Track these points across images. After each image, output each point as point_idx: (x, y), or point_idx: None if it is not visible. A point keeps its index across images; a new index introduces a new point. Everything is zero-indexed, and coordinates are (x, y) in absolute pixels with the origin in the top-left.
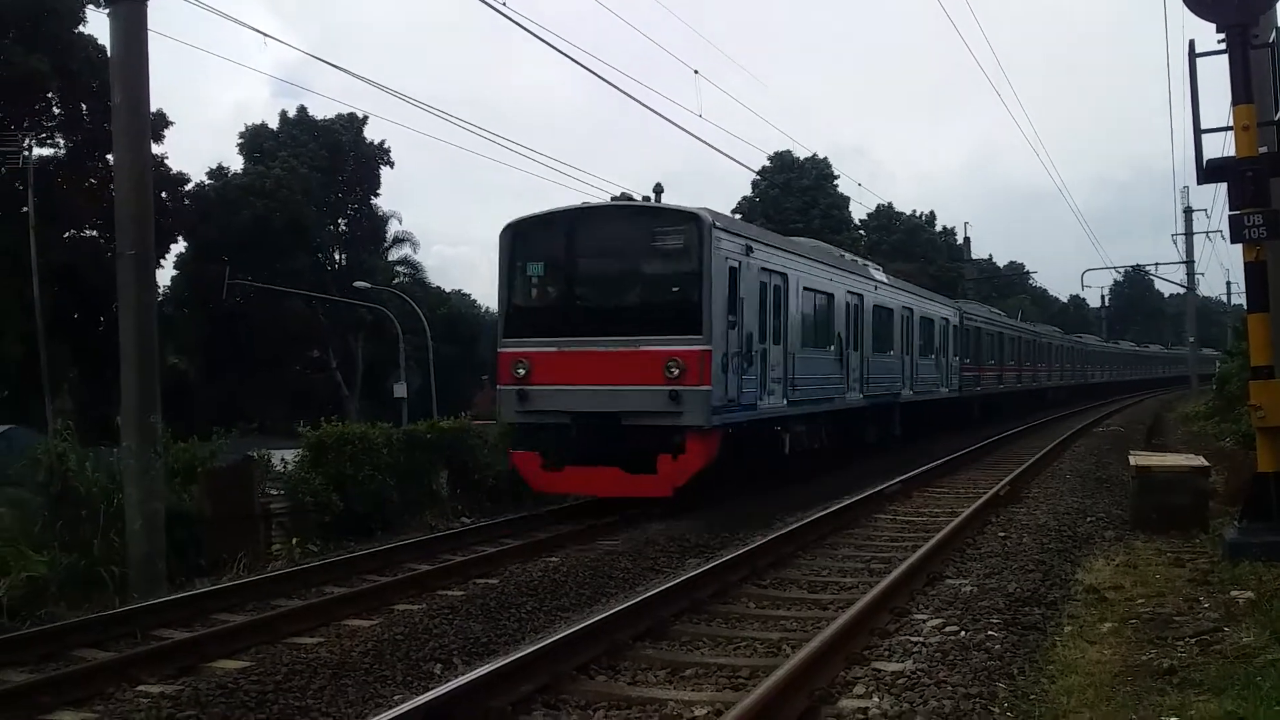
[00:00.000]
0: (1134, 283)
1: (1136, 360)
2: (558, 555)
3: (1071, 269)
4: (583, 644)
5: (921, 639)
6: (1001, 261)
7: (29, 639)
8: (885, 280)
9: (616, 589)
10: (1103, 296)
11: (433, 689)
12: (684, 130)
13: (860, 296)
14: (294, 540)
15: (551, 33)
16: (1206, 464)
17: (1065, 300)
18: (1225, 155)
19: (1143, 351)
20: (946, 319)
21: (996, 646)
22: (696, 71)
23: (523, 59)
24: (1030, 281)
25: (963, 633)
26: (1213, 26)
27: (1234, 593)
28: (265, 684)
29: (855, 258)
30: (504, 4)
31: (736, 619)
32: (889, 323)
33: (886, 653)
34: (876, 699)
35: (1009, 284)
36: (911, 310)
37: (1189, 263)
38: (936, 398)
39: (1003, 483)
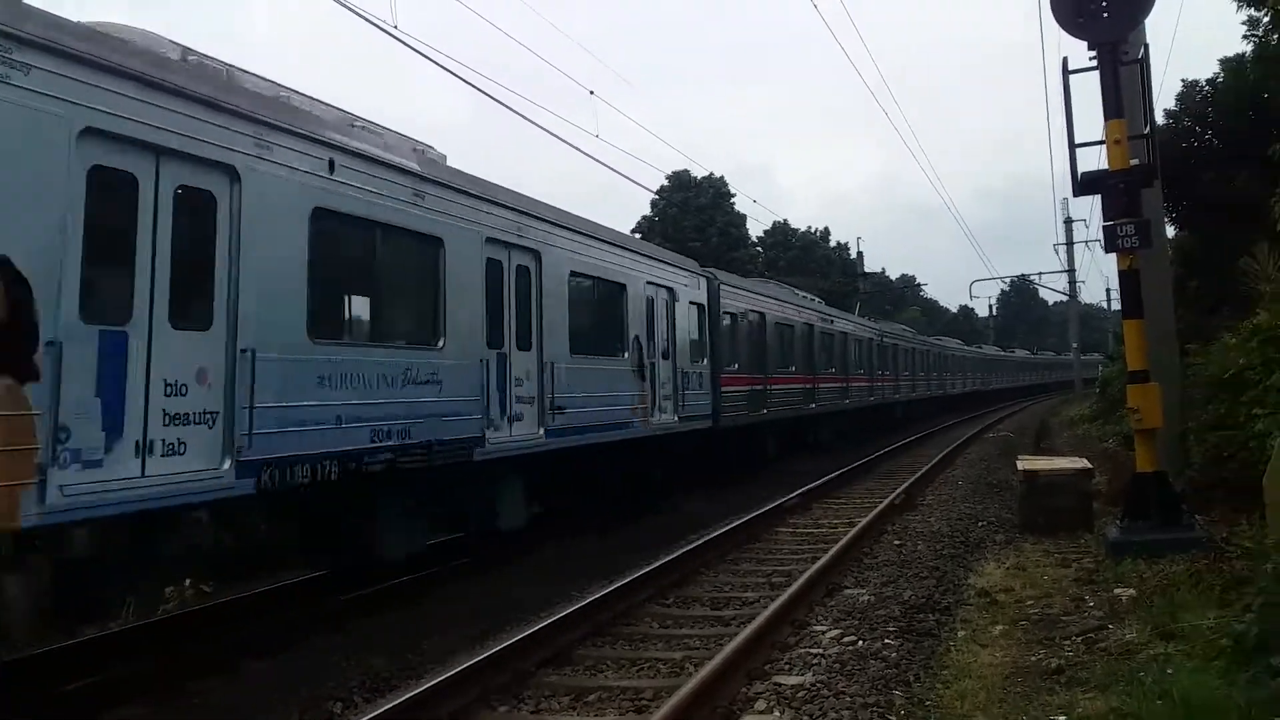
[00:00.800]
0: (1020, 292)
1: (1026, 367)
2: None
3: (960, 280)
4: (485, 674)
5: (821, 650)
6: (894, 275)
7: None
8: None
9: (522, 615)
10: (990, 306)
11: None
12: (580, 151)
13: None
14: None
15: (443, 54)
16: (1090, 466)
17: (955, 311)
18: (1100, 168)
19: (1030, 358)
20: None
21: (893, 655)
22: (592, 92)
23: (418, 83)
24: (922, 294)
25: (860, 642)
26: (1085, 44)
27: (1117, 590)
28: None
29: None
30: (395, 26)
31: (640, 640)
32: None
33: (787, 666)
34: (778, 714)
35: (901, 297)
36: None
37: (1070, 271)
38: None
39: (898, 491)
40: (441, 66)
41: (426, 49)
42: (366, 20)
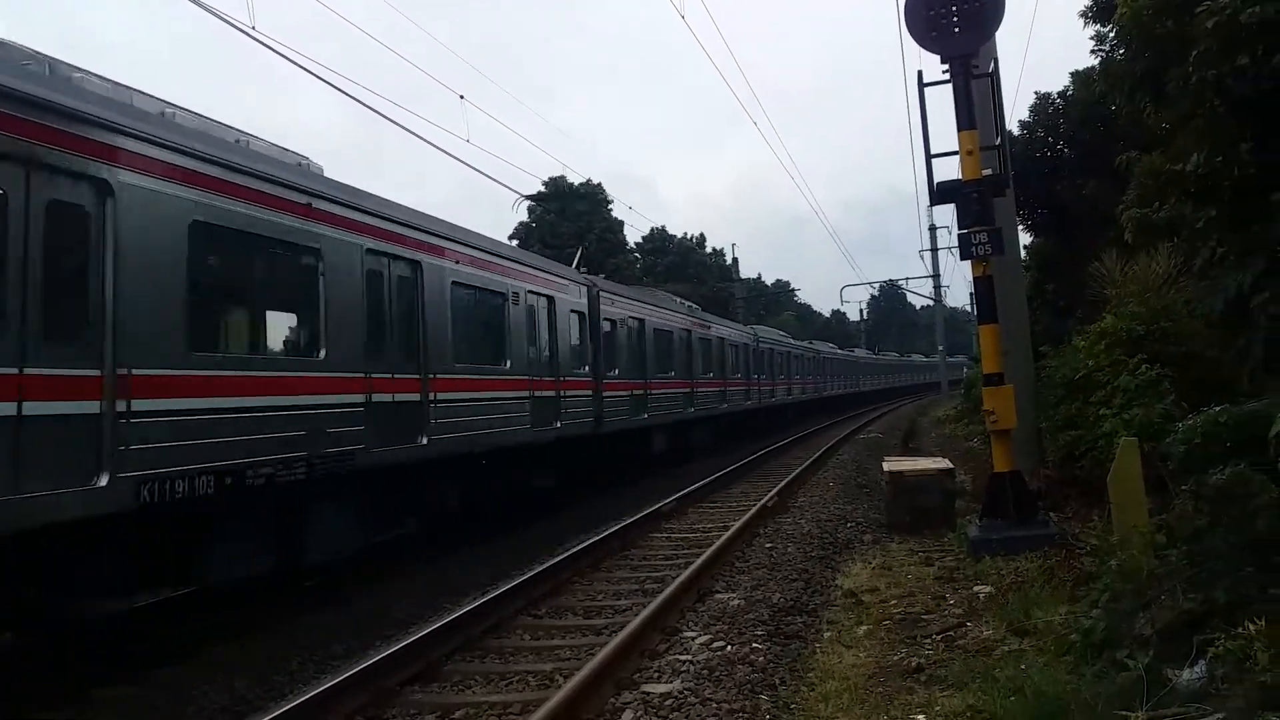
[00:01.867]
0: (889, 296)
1: (895, 369)
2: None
3: (832, 286)
4: (346, 695)
5: (690, 657)
6: (769, 280)
7: None
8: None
9: (396, 631)
10: (861, 310)
11: None
12: (451, 156)
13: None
14: None
15: (305, 56)
16: (951, 466)
17: (828, 315)
18: (955, 179)
19: (899, 361)
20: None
21: (760, 659)
22: (462, 97)
23: (291, 91)
24: (795, 298)
25: (729, 647)
26: (939, 58)
27: (976, 588)
28: None
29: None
30: (253, 28)
31: (511, 653)
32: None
33: (656, 674)
34: None
35: (776, 301)
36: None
37: (935, 276)
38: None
39: (770, 494)
40: (303, 69)
41: (291, 53)
42: (222, 20)
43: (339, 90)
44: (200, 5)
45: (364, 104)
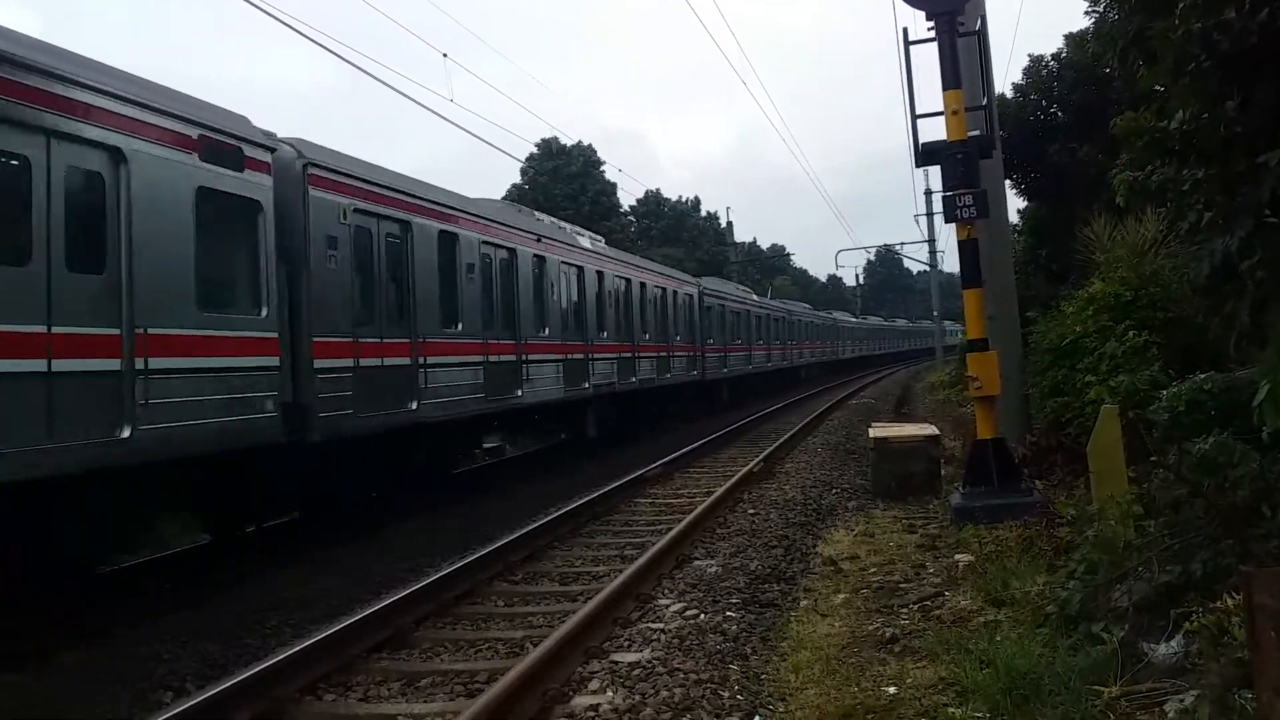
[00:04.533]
0: (885, 261)
1: (883, 335)
2: (309, 566)
3: (827, 250)
4: (310, 661)
5: (662, 625)
6: (765, 245)
7: None
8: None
9: (371, 595)
10: (857, 275)
11: None
12: (437, 115)
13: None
14: None
15: (284, 12)
16: (937, 433)
17: (824, 280)
18: (941, 139)
19: (886, 326)
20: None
21: (733, 628)
22: (445, 55)
23: (278, 50)
24: (792, 263)
25: (702, 615)
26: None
27: (956, 556)
28: None
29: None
30: None
31: (483, 620)
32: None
33: (626, 643)
34: (610, 693)
35: (772, 266)
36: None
37: (930, 241)
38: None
39: (757, 459)
40: (281, 22)
41: (271, 8)
42: None
43: (319, 45)
44: None
45: (345, 59)
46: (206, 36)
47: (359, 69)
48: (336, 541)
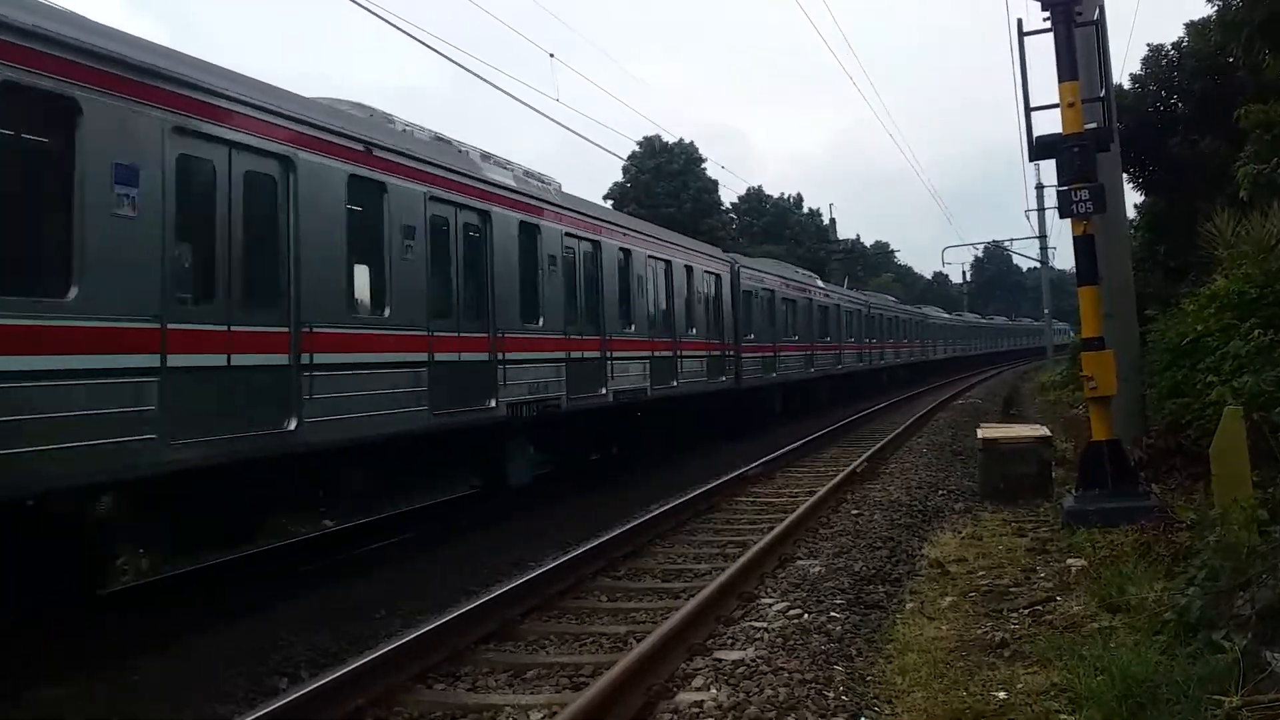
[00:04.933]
0: (994, 258)
1: (984, 334)
2: (421, 557)
3: (930, 246)
4: (420, 651)
5: (766, 624)
6: (868, 241)
7: None
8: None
9: (479, 587)
10: (964, 272)
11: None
12: (541, 114)
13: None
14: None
15: (391, 13)
16: (1049, 434)
17: (930, 277)
18: (1056, 132)
19: (989, 324)
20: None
21: (838, 628)
22: (552, 55)
23: (368, 43)
24: (895, 260)
25: (806, 615)
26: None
27: (1069, 561)
28: None
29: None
30: None
31: (587, 614)
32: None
33: (730, 641)
34: (714, 690)
35: (876, 263)
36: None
37: (1042, 237)
38: None
39: (860, 459)
40: (395, 26)
41: (380, 10)
42: None
43: (427, 47)
44: None
45: (452, 60)
46: (301, 33)
47: (465, 69)
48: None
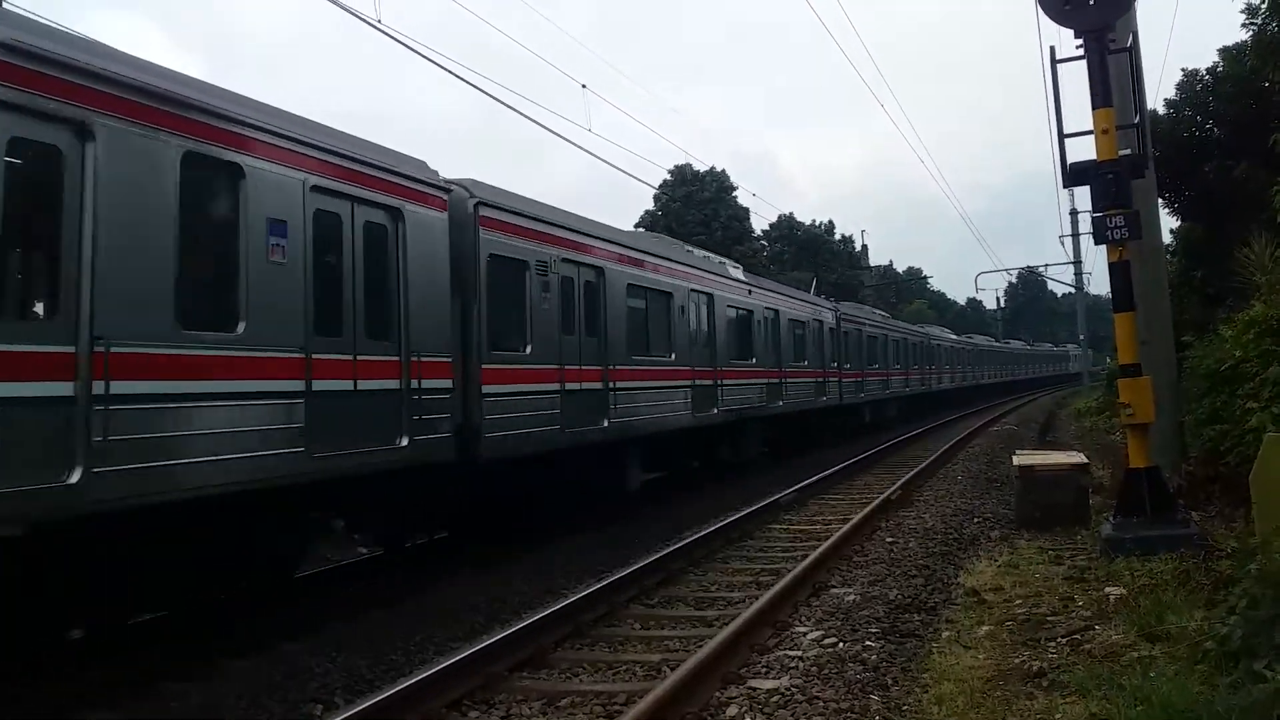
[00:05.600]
0: (1028, 284)
1: (1021, 360)
2: (455, 582)
3: (963, 272)
4: (454, 679)
5: (800, 653)
6: (900, 267)
7: None
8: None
9: (511, 615)
10: (998, 299)
11: None
12: (575, 145)
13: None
14: None
15: (429, 48)
16: (1086, 461)
17: (963, 303)
18: (1090, 159)
19: (1026, 350)
20: None
21: (873, 657)
22: (585, 86)
23: (407, 77)
24: (928, 285)
25: (841, 644)
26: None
27: (1107, 589)
28: None
29: None
30: (379, 20)
31: (620, 642)
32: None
33: (764, 670)
34: (749, 719)
35: (908, 289)
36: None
37: (1076, 263)
38: None
39: (894, 487)
40: (430, 60)
41: (415, 44)
42: (350, 13)
43: (464, 80)
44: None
45: (487, 93)
46: (334, 66)
47: (498, 100)
48: (479, 561)
